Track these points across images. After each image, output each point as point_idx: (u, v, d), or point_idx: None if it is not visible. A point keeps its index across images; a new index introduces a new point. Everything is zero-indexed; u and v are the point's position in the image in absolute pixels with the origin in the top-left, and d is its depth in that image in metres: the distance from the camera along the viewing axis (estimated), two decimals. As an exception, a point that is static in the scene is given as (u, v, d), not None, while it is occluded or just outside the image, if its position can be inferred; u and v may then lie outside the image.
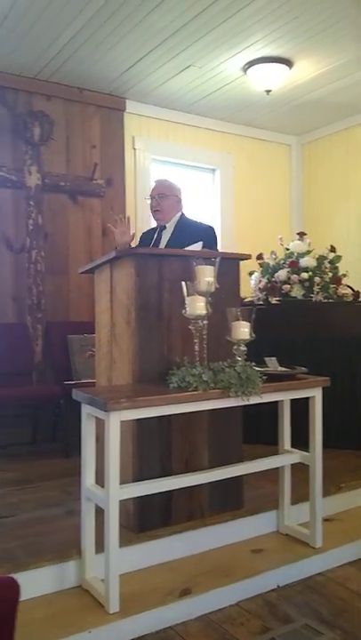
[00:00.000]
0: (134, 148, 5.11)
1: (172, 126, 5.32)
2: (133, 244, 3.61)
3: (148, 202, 3.62)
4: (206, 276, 2.40)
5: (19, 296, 4.54)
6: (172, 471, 2.58)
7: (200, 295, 2.38)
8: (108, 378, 2.78)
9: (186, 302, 2.37)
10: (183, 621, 2.23)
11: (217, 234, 3.52)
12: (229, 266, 2.74)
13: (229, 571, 2.48)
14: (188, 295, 2.37)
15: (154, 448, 2.57)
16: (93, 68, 4.46)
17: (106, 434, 2.12)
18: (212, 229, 3.49)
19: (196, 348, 2.40)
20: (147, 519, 2.55)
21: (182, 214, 3.57)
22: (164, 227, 3.54)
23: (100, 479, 2.29)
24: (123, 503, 2.23)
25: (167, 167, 5.40)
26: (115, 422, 2.12)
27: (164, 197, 3.53)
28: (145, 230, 3.80)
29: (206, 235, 3.38)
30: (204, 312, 2.37)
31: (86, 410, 2.30)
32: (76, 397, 2.34)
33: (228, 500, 2.77)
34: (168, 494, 2.56)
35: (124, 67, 4.46)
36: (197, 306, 2.36)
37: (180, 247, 3.07)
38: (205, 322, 2.39)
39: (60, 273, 4.71)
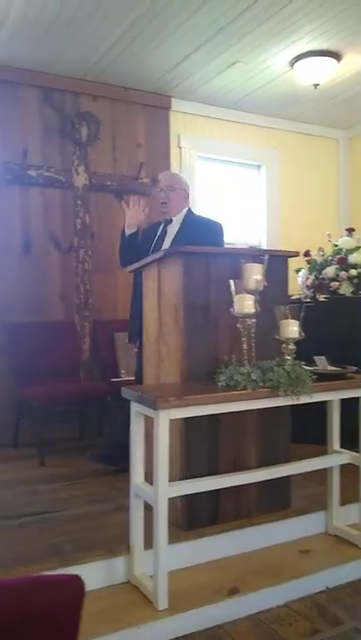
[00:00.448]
0: (180, 147, 5.11)
1: (218, 123, 5.30)
2: (133, 210, 3.46)
3: (157, 195, 3.44)
4: (254, 273, 2.39)
5: (67, 295, 4.61)
6: (219, 470, 2.58)
7: (248, 293, 2.37)
8: (156, 376, 2.79)
9: (234, 300, 2.36)
10: (231, 620, 2.23)
11: (224, 230, 3.37)
12: (277, 263, 2.71)
13: (277, 571, 2.46)
14: (236, 293, 2.36)
15: (202, 446, 2.57)
16: (139, 68, 4.49)
17: (155, 432, 2.14)
18: (220, 226, 3.37)
19: (245, 346, 2.38)
20: (194, 517, 2.56)
21: (189, 209, 3.45)
22: (170, 221, 3.40)
23: (149, 476, 2.32)
24: (170, 500, 2.24)
25: (212, 164, 5.38)
26: (164, 420, 2.13)
27: (173, 190, 3.39)
28: (146, 226, 3.57)
29: (213, 231, 3.30)
30: (252, 310, 2.36)
31: (135, 408, 2.32)
32: (125, 395, 2.36)
33: (275, 500, 2.75)
34: (216, 493, 2.56)
35: (169, 65, 4.47)
36: (246, 304, 2.35)
37: (187, 243, 2.97)
38: (254, 320, 2.38)
39: (107, 271, 4.76)
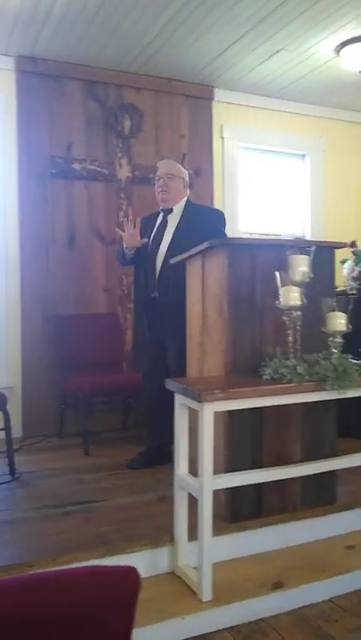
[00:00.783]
0: (222, 137, 5.07)
1: (261, 112, 5.23)
2: (128, 233, 3.34)
3: (156, 183, 3.41)
4: (301, 265, 2.35)
5: (110, 287, 4.66)
6: (263, 463, 2.56)
7: (294, 285, 2.34)
8: (200, 369, 2.79)
9: (280, 293, 2.34)
10: (275, 614, 2.21)
11: (226, 218, 3.41)
12: (324, 254, 2.65)
13: (322, 566, 2.43)
14: (281, 285, 2.33)
15: (245, 439, 2.56)
16: (182, 59, 4.47)
17: (199, 424, 2.14)
18: (222, 214, 3.38)
19: (290, 339, 2.36)
20: (238, 510, 2.56)
21: (188, 199, 3.43)
22: (170, 210, 3.35)
23: (192, 468, 2.32)
24: (214, 493, 2.23)
25: (255, 154, 5.33)
26: (208, 413, 2.12)
27: (173, 178, 3.34)
28: (144, 216, 3.53)
29: (216, 220, 3.28)
30: (298, 303, 2.33)
31: (180, 400, 2.32)
32: (169, 387, 2.37)
33: (320, 495, 2.72)
34: (259, 486, 2.55)
35: (212, 55, 4.43)
36: (292, 296, 2.33)
37: (190, 232, 3.00)
38: (300, 313, 2.35)
39: (149, 263, 4.77)
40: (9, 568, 2.20)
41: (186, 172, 3.50)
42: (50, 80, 4.47)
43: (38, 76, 4.44)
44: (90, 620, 0.75)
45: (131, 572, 0.73)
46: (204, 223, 3.19)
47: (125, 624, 0.73)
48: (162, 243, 3.31)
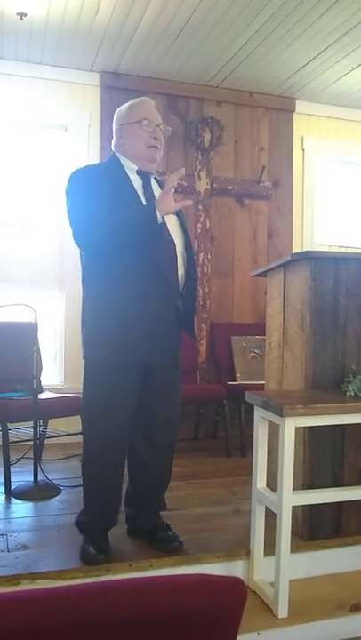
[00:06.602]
0: (303, 149, 5.03)
1: (344, 124, 5.15)
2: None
3: (144, 128, 2.37)
4: (388, 280, 2.30)
5: (186, 297, 4.70)
6: (343, 481, 2.51)
7: (380, 301, 2.28)
8: (279, 382, 2.77)
9: (365, 308, 2.29)
10: (354, 637, 2.16)
11: None
12: None
13: None
14: (367, 300, 2.29)
15: (325, 456, 2.51)
16: (264, 72, 4.48)
17: (280, 439, 2.12)
18: None
19: (375, 355, 2.30)
20: (315, 528, 2.51)
21: None
22: (149, 175, 2.43)
23: (270, 482, 2.30)
24: (292, 509, 2.21)
25: (337, 166, 5.24)
26: (290, 428, 2.10)
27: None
28: (80, 170, 2.38)
29: None
30: (384, 318, 2.27)
31: (259, 413, 2.31)
32: (249, 400, 2.36)
33: None
34: (339, 505, 2.49)
35: (294, 68, 4.41)
36: (377, 312, 2.27)
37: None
38: (385, 329, 2.29)
39: (225, 275, 4.80)
40: (87, 570, 2.25)
41: None
42: (132, 95, 4.55)
43: (121, 91, 4.56)
44: (192, 630, 0.76)
45: (238, 583, 0.74)
46: None
47: (233, 630, 0.74)
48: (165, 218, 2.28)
